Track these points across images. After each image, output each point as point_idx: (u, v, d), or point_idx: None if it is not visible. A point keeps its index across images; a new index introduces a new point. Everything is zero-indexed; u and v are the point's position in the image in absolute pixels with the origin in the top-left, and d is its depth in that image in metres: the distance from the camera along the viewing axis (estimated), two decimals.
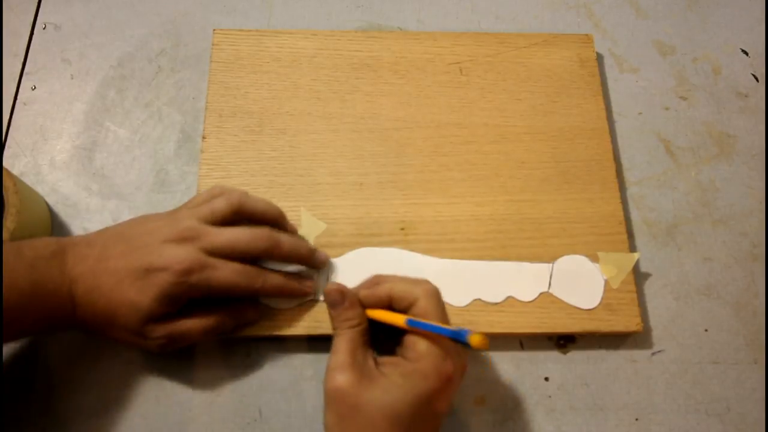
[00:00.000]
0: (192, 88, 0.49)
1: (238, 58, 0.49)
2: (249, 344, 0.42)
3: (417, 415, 0.31)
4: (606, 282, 0.43)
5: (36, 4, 0.52)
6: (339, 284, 0.37)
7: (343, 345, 0.34)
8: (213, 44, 0.49)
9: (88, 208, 0.45)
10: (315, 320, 0.41)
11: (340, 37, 0.50)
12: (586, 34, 0.51)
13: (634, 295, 0.42)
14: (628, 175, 0.48)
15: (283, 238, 0.38)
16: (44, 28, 0.51)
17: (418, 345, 0.33)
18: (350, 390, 0.32)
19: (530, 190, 0.46)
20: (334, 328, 0.36)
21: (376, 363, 0.34)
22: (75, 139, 0.47)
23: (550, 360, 0.42)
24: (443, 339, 0.33)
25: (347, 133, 0.47)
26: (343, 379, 0.32)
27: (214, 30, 0.50)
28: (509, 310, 0.42)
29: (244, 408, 0.40)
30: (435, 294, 0.35)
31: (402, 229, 0.44)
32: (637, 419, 0.41)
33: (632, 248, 0.45)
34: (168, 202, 0.45)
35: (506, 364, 0.42)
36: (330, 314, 0.37)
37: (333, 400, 0.32)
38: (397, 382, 0.32)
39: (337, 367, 0.33)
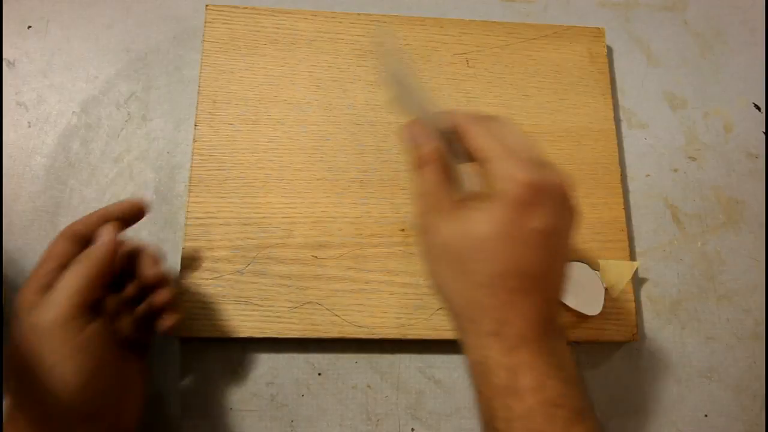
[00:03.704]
0: (166, 141, 0.45)
1: (233, 38, 0.45)
2: (245, 345, 0.41)
3: (510, 236, 0.28)
4: (605, 291, 0.42)
5: None
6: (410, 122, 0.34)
7: (420, 187, 0.32)
8: (206, 22, 0.46)
9: None
10: (311, 323, 0.40)
11: (342, 20, 0.47)
12: (598, 28, 0.49)
13: (632, 305, 0.42)
14: (635, 245, 0.46)
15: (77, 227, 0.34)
16: None
17: (481, 160, 0.30)
18: (435, 228, 0.31)
19: None
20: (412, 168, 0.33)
21: (464, 198, 0.31)
22: (35, 199, 0.43)
23: None
24: (513, 151, 0.30)
25: (348, 125, 0.45)
26: (424, 222, 0.32)
27: (207, 6, 0.46)
28: None
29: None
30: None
31: (402, 230, 0.42)
32: None
33: (638, 328, 0.43)
34: None
35: None
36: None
37: (423, 247, 0.32)
38: (478, 209, 0.29)
39: (420, 213, 0.32)
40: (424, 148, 0.32)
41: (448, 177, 0.32)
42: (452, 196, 0.31)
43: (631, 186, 0.47)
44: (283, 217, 0.42)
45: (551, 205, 0.29)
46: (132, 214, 0.36)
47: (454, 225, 0.30)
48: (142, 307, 0.36)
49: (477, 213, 0.29)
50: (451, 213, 0.30)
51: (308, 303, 0.40)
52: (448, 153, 0.33)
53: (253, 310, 0.40)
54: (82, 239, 0.34)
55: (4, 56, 0.45)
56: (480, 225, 0.29)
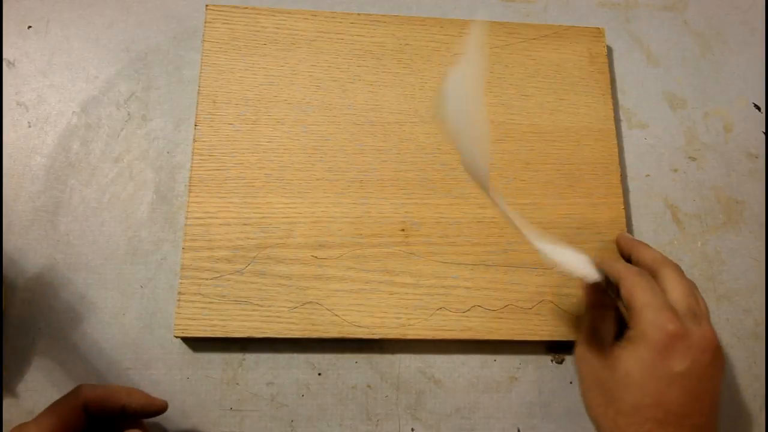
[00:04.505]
0: (166, 141, 0.45)
1: (233, 38, 0.45)
2: (245, 345, 0.41)
3: (652, 375, 0.33)
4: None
5: None
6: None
7: (584, 326, 0.39)
8: (206, 22, 0.46)
9: (52, 282, 0.41)
10: (311, 323, 0.40)
11: (342, 20, 0.47)
12: (598, 28, 0.49)
13: None
14: None
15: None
16: None
17: (633, 308, 0.35)
18: (588, 362, 0.36)
19: (534, 193, 0.45)
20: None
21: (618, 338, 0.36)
22: (35, 199, 0.43)
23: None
24: (663, 297, 0.35)
25: (348, 125, 0.45)
26: (580, 352, 0.37)
27: (207, 6, 0.46)
28: (507, 317, 0.41)
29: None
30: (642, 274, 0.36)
31: (402, 230, 0.42)
32: None
33: None
34: (141, 275, 0.42)
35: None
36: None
37: (578, 371, 0.37)
38: (626, 348, 0.34)
39: (578, 345, 0.38)
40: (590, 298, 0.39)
41: (605, 320, 0.38)
42: (606, 336, 0.37)
43: (631, 186, 0.47)
44: (283, 217, 0.42)
45: (693, 353, 0.33)
46: (150, 413, 0.36)
47: (606, 360, 0.35)
48: None
49: (626, 352, 0.34)
50: (604, 350, 0.36)
51: (308, 303, 0.40)
52: (609, 297, 0.38)
53: (253, 310, 0.40)
54: (92, 410, 0.34)
55: (4, 56, 0.45)
56: (627, 363, 0.34)
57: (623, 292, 0.35)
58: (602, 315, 0.38)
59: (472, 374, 0.42)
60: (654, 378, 0.33)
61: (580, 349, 0.37)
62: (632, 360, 0.34)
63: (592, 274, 0.36)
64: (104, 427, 0.35)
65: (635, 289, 0.35)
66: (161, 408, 0.36)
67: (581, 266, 0.36)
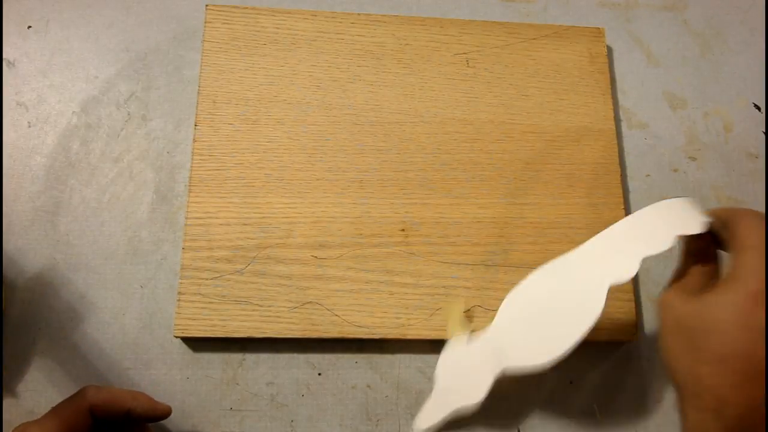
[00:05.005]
0: (166, 140, 0.45)
1: (233, 38, 0.46)
2: (245, 345, 0.41)
3: (744, 324, 0.30)
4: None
5: None
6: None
7: (676, 270, 0.36)
8: (206, 22, 0.46)
9: (52, 282, 0.41)
10: (311, 323, 0.40)
11: (342, 20, 0.47)
12: (598, 28, 0.49)
13: (632, 305, 0.42)
14: None
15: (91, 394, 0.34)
16: None
17: (737, 248, 0.32)
18: (672, 306, 0.33)
19: (534, 193, 0.45)
20: None
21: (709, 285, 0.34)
22: (35, 199, 0.43)
23: None
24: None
25: (348, 125, 0.45)
26: (665, 296, 0.34)
27: (207, 6, 0.46)
28: None
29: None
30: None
31: (402, 230, 0.43)
32: None
33: (638, 331, 0.44)
34: (141, 275, 0.42)
35: None
36: None
37: (660, 315, 0.34)
38: (719, 293, 0.31)
39: (665, 289, 0.35)
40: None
41: (700, 268, 0.35)
42: (698, 281, 0.34)
43: (631, 186, 0.47)
44: (283, 217, 0.42)
45: None
46: (154, 418, 0.36)
47: (692, 305, 0.32)
48: None
49: (718, 297, 0.31)
50: (692, 294, 0.33)
51: (308, 303, 0.40)
52: (709, 246, 0.35)
53: (253, 310, 0.40)
54: (96, 413, 0.34)
55: (4, 56, 0.45)
56: (718, 309, 0.31)
57: (730, 232, 0.32)
58: (698, 263, 0.35)
59: None
60: (746, 328, 0.30)
61: (667, 294, 0.34)
62: (724, 306, 0.30)
63: (701, 222, 0.34)
64: (107, 430, 0.35)
65: (744, 228, 0.32)
66: (165, 413, 0.36)
67: (688, 214, 0.34)
